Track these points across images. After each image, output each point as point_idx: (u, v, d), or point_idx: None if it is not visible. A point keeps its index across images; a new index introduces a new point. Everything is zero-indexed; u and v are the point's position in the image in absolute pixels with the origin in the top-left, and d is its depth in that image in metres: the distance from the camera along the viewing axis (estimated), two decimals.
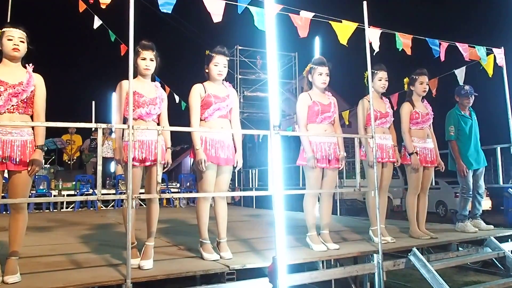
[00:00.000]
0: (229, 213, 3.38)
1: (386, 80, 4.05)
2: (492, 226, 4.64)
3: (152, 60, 3.06)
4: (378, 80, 4.02)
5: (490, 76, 5.56)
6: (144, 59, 3.03)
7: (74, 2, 5.99)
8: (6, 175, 2.70)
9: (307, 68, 3.77)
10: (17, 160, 2.58)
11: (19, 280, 2.50)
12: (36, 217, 6.74)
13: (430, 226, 4.55)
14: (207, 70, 3.32)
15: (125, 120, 2.97)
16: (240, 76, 14.59)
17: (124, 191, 2.69)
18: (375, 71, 4.00)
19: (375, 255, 3.32)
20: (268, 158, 2.87)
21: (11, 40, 2.64)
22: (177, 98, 9.38)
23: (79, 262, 3.06)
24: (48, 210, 8.58)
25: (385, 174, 4.02)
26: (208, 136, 3.20)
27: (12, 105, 2.61)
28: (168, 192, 9.36)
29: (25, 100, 2.65)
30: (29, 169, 2.61)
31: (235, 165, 3.33)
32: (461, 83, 5.50)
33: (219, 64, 3.27)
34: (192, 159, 3.40)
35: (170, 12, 3.82)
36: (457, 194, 5.33)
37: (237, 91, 13.32)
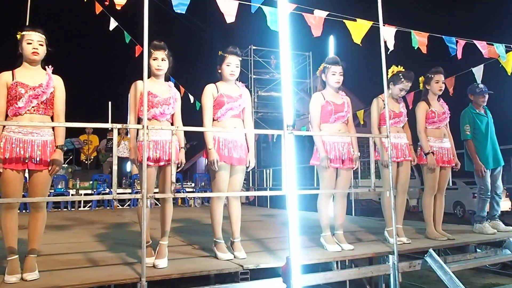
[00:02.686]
0: (243, 212, 3.39)
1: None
2: (511, 228, 4.53)
3: (164, 60, 3.08)
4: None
5: (509, 74, 5.42)
6: (156, 59, 3.06)
7: (91, 4, 6.10)
8: (26, 174, 2.76)
9: (321, 67, 3.75)
10: (38, 159, 2.64)
11: (38, 277, 2.56)
12: (54, 216, 6.87)
13: (447, 227, 4.47)
14: (219, 70, 3.34)
15: (139, 120, 3.01)
16: (254, 76, 14.56)
17: (139, 190, 2.72)
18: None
19: (390, 256, 3.28)
20: (282, 158, 2.86)
21: (31, 43, 2.70)
22: (191, 98, 9.44)
23: (95, 261, 3.11)
24: (66, 209, 8.74)
25: (402, 174, 3.95)
26: (221, 136, 3.21)
27: (33, 107, 2.67)
28: (183, 192, 9.43)
29: (45, 101, 2.71)
30: (49, 168, 2.67)
31: (247, 165, 3.34)
32: (479, 81, 5.38)
33: (231, 64, 3.28)
34: (205, 159, 3.41)
35: (184, 12, 3.85)
36: (475, 195, 5.22)
37: (251, 91, 13.36)
